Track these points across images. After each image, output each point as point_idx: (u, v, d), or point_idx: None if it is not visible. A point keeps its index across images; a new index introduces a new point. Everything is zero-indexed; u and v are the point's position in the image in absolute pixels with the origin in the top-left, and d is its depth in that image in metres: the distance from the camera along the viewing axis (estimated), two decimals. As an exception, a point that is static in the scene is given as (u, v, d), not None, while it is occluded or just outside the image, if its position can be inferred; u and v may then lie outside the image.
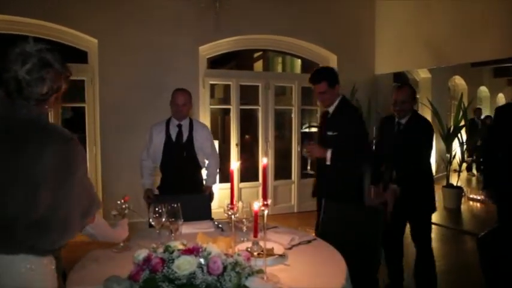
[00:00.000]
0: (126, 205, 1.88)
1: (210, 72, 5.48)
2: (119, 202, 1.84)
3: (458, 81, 9.39)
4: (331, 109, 2.89)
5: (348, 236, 2.30)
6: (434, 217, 3.23)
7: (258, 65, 12.05)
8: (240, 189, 5.64)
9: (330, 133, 2.84)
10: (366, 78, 5.98)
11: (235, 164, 1.67)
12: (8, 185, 1.25)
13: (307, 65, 10.14)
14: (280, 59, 12.61)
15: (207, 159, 3.39)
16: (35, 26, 4.74)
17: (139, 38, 4.90)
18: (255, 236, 1.63)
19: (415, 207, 2.88)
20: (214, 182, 3.44)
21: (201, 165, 3.33)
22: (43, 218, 1.27)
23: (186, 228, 2.22)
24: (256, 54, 11.93)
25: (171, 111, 3.35)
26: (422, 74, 7.97)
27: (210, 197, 3.24)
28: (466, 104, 6.38)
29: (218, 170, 3.47)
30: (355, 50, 6.00)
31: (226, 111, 6.14)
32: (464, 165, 6.82)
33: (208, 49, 5.37)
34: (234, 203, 1.65)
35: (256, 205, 1.62)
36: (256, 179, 5.85)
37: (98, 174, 4.97)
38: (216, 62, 5.81)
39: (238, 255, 1.46)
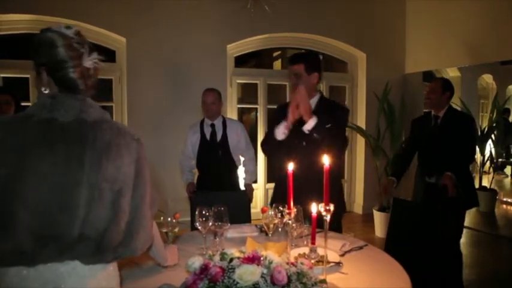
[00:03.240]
0: (176, 222, 1.76)
1: (237, 71, 5.40)
2: (169, 219, 1.74)
3: (488, 79, 9.07)
4: (311, 103, 2.39)
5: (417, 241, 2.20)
6: (467, 221, 3.14)
7: (278, 64, 11.96)
8: (266, 190, 5.54)
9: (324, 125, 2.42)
10: (396, 77, 5.81)
11: (291, 166, 1.56)
12: (94, 199, 1.13)
13: (330, 63, 10.00)
14: (299, 59, 12.48)
15: (242, 156, 3.34)
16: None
17: (168, 37, 4.85)
18: (313, 243, 1.53)
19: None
20: (253, 179, 3.40)
21: (237, 164, 3.29)
22: (128, 225, 1.18)
23: (229, 232, 2.14)
24: (275, 53, 11.86)
25: (203, 112, 3.33)
26: (452, 73, 7.69)
27: (250, 196, 3.20)
28: (499, 103, 6.14)
29: (256, 167, 3.43)
30: (385, 49, 5.83)
31: (244, 111, 6.08)
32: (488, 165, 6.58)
33: (236, 47, 5.29)
34: (291, 207, 1.54)
35: (314, 209, 1.52)
36: (283, 180, 5.73)
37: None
38: (237, 62, 5.71)
39: (302, 264, 1.36)
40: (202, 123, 3.30)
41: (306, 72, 2.39)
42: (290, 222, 1.62)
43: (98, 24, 4.71)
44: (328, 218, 1.44)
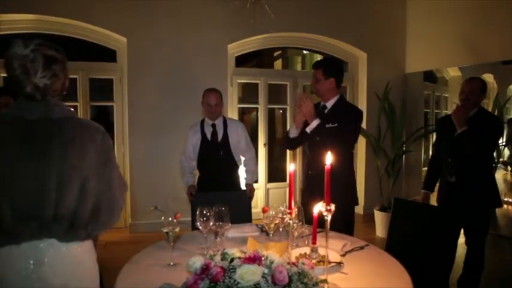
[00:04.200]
0: (177, 222, 1.76)
1: (237, 71, 5.40)
2: (170, 219, 1.73)
3: (489, 79, 9.06)
4: (329, 104, 2.71)
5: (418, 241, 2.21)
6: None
7: (278, 64, 11.96)
8: (267, 190, 5.54)
9: (329, 125, 2.63)
10: (397, 77, 5.80)
11: (292, 166, 1.55)
12: (63, 184, 1.33)
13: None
14: (299, 58, 12.52)
15: (243, 156, 3.33)
16: (63, 25, 4.75)
17: (168, 37, 4.85)
18: (314, 243, 1.52)
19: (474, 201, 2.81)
20: (255, 179, 3.39)
21: (238, 164, 3.28)
22: (95, 204, 1.40)
23: (230, 232, 2.14)
24: (276, 53, 11.86)
25: (203, 112, 3.30)
26: (452, 73, 7.68)
27: (251, 195, 3.20)
28: (500, 103, 6.13)
29: (256, 166, 3.43)
30: (385, 48, 5.83)
31: (245, 111, 6.09)
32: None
33: (237, 47, 5.29)
34: (292, 207, 1.53)
35: (316, 209, 1.52)
36: (284, 180, 5.74)
37: (126, 173, 4.95)
38: (237, 61, 5.71)
39: (303, 263, 1.36)
40: (202, 123, 3.28)
41: (324, 76, 2.64)
42: (291, 222, 1.61)
43: (99, 24, 4.72)
44: (329, 218, 1.43)
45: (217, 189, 3.04)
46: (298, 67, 11.53)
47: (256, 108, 5.63)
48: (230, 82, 5.24)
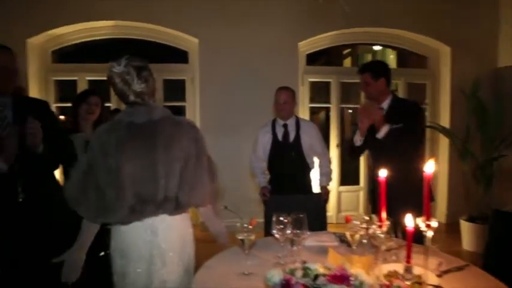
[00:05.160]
0: (251, 227, 1.66)
1: (308, 69, 5.22)
2: (245, 225, 1.64)
3: None
4: (384, 105, 2.64)
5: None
6: None
7: (347, 62, 11.52)
8: (339, 193, 5.29)
9: (393, 126, 2.49)
10: (487, 71, 5.19)
11: (383, 172, 1.36)
12: (169, 172, 1.66)
13: (402, 59, 9.37)
14: (370, 56, 11.95)
15: (317, 158, 3.17)
16: (138, 29, 4.95)
17: (239, 36, 4.83)
18: (409, 262, 1.32)
19: None
20: (329, 181, 3.22)
21: (310, 166, 3.12)
22: (191, 187, 1.72)
23: (307, 241, 1.98)
24: (345, 51, 11.44)
25: (274, 111, 3.21)
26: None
27: (326, 198, 3.03)
28: None
29: (331, 168, 3.25)
30: (473, 40, 5.23)
31: (314, 110, 5.88)
32: None
33: (308, 45, 5.12)
34: (383, 218, 1.34)
35: (410, 222, 1.31)
36: (357, 183, 5.45)
37: (196, 173, 5.01)
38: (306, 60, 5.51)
39: (398, 287, 1.17)
40: (274, 123, 3.17)
41: (373, 79, 2.64)
42: (381, 235, 1.42)
43: (171, 26, 4.84)
44: (429, 234, 1.22)
45: (288, 192, 2.91)
46: (369, 65, 11.01)
47: (325, 108, 5.40)
48: (301, 81, 5.08)
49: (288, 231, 1.68)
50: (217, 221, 1.98)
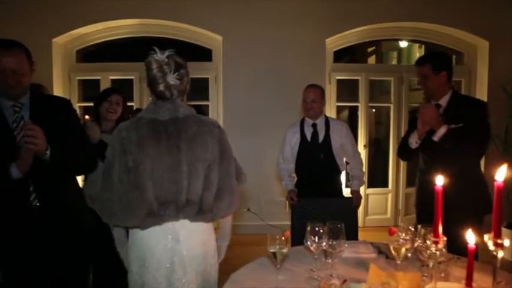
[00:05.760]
0: (289, 243, 1.49)
1: (336, 67, 5.01)
2: (277, 237, 1.46)
3: None
4: (442, 102, 2.38)
5: None
6: None
7: (372, 60, 11.19)
8: (366, 196, 5.06)
9: (452, 126, 2.26)
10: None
11: (440, 180, 1.18)
12: (192, 173, 1.56)
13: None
14: (395, 53, 11.57)
15: (348, 160, 2.99)
16: (162, 27, 4.88)
17: (264, 33, 4.68)
18: (469, 284, 1.13)
19: None
20: (361, 185, 3.02)
21: (340, 168, 2.94)
22: (218, 190, 1.63)
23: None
24: (369, 49, 11.12)
25: (302, 110, 3.05)
26: None
27: (357, 203, 2.84)
28: None
29: (363, 171, 3.05)
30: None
31: (338, 109, 5.66)
32: None
33: (335, 41, 4.91)
34: (439, 234, 1.16)
35: (472, 239, 1.13)
36: (385, 185, 5.20)
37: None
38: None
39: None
40: (302, 123, 3.01)
41: (433, 72, 2.37)
42: (437, 252, 1.23)
43: (196, 23, 4.74)
44: (500, 254, 1.04)
45: (317, 195, 2.75)
46: (394, 62, 10.64)
47: (347, 107, 5.18)
48: (328, 79, 4.88)
49: (324, 243, 1.52)
50: (225, 237, 1.85)
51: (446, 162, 2.18)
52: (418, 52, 10.67)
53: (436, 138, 2.23)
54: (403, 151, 2.54)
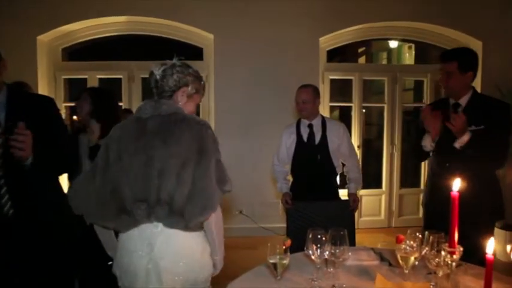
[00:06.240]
0: (288, 252, 1.39)
1: (329, 66, 4.94)
2: (278, 246, 1.36)
3: None
4: (462, 101, 2.26)
5: None
6: None
7: (362, 61, 11.19)
8: (360, 197, 4.99)
9: (471, 128, 2.14)
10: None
11: (457, 185, 1.09)
12: (164, 171, 1.49)
13: (421, 56, 9.00)
14: (385, 54, 11.59)
15: (344, 162, 2.90)
16: (151, 25, 4.76)
17: (256, 31, 4.59)
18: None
19: None
20: (359, 187, 2.94)
21: (336, 170, 2.86)
22: (190, 191, 1.49)
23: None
24: (360, 49, 11.11)
25: (296, 111, 2.96)
26: None
27: (354, 206, 2.75)
28: None
29: (360, 173, 2.96)
30: (505, 32, 4.87)
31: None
32: None
33: (328, 40, 4.84)
34: (455, 243, 1.07)
35: (491, 247, 1.05)
36: (379, 186, 5.15)
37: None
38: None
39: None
40: (299, 123, 2.92)
41: (460, 71, 2.21)
42: (452, 264, 1.15)
43: (186, 21, 4.62)
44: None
45: (312, 198, 2.67)
46: (384, 63, 10.64)
47: (339, 107, 5.12)
48: (321, 78, 4.81)
49: (326, 252, 1.42)
50: (214, 250, 1.63)
51: (463, 166, 2.07)
52: (407, 53, 10.69)
53: (457, 145, 2.12)
54: (415, 152, 2.45)
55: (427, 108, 2.29)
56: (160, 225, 1.50)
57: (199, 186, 1.49)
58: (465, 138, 2.09)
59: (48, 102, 1.81)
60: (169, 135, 1.52)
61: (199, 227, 1.56)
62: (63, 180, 2.53)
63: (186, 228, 1.51)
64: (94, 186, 1.55)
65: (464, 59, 2.22)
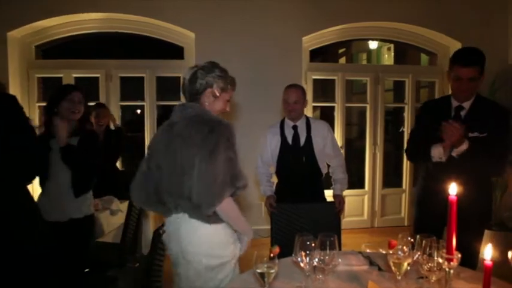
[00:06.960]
0: (276, 260, 1.31)
1: (312, 66, 4.90)
2: (266, 258, 1.28)
3: None
4: (466, 104, 2.20)
5: None
6: None
7: (342, 61, 11.29)
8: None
9: (474, 134, 2.10)
10: (499, 69, 4.90)
11: (454, 188, 1.04)
12: (184, 170, 1.66)
13: (400, 57, 9.10)
14: (364, 55, 11.72)
15: (329, 162, 2.85)
16: (130, 23, 4.61)
17: (238, 30, 4.50)
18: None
19: None
20: (344, 188, 2.89)
21: (322, 171, 2.80)
22: (203, 187, 1.62)
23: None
24: (340, 50, 11.18)
25: (283, 111, 2.88)
26: None
27: (340, 208, 2.71)
28: None
29: (346, 174, 2.91)
30: (484, 35, 4.94)
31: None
32: None
33: (311, 40, 4.80)
34: (453, 250, 1.02)
35: (489, 254, 1.00)
36: (361, 186, 5.15)
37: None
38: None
39: None
40: (282, 124, 2.85)
41: (480, 75, 2.12)
42: (449, 271, 1.10)
43: (166, 19, 4.50)
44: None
45: (298, 200, 2.61)
46: (364, 63, 10.75)
47: (320, 107, 5.11)
48: (304, 78, 4.76)
49: (316, 259, 1.36)
50: (240, 230, 1.83)
51: (459, 170, 2.02)
52: (387, 54, 10.83)
53: (455, 154, 2.09)
54: (419, 155, 2.34)
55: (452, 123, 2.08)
56: (186, 216, 1.73)
57: (208, 182, 1.62)
58: (463, 147, 2.03)
59: (8, 100, 1.67)
60: (188, 136, 1.66)
61: (218, 219, 1.70)
62: (35, 184, 2.40)
63: (205, 218, 1.69)
64: (138, 176, 1.85)
65: (483, 62, 2.13)
